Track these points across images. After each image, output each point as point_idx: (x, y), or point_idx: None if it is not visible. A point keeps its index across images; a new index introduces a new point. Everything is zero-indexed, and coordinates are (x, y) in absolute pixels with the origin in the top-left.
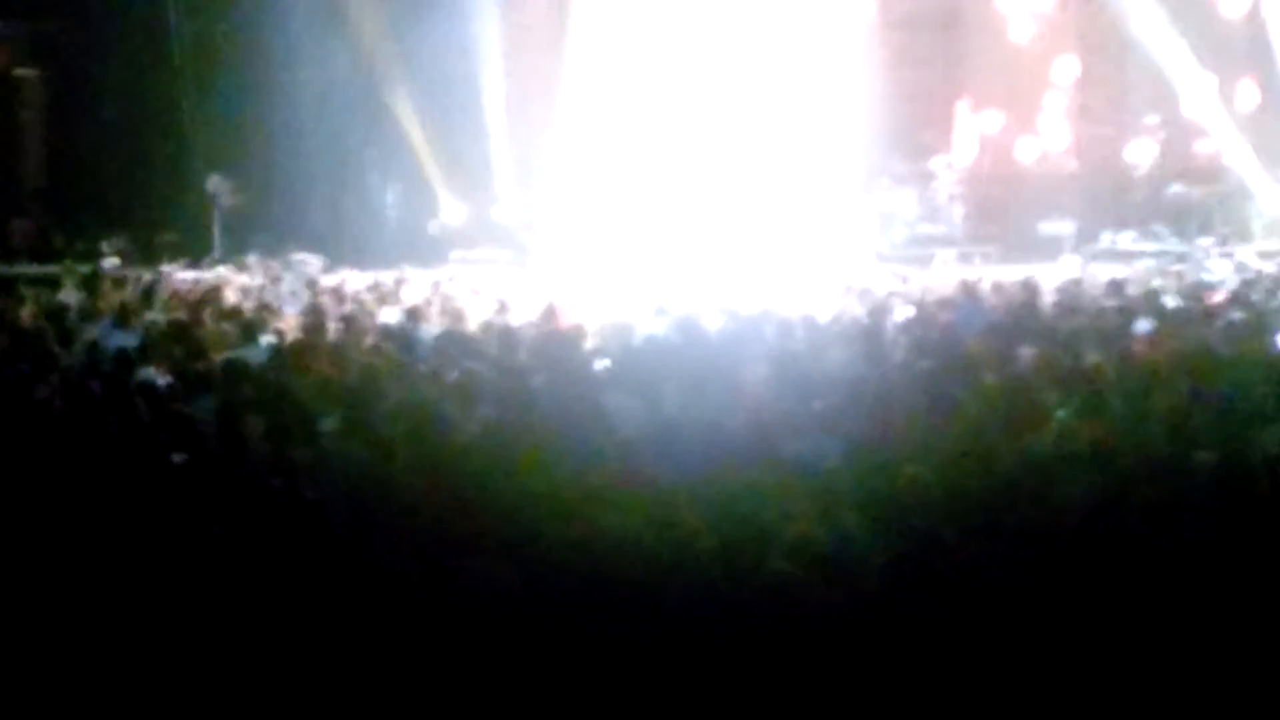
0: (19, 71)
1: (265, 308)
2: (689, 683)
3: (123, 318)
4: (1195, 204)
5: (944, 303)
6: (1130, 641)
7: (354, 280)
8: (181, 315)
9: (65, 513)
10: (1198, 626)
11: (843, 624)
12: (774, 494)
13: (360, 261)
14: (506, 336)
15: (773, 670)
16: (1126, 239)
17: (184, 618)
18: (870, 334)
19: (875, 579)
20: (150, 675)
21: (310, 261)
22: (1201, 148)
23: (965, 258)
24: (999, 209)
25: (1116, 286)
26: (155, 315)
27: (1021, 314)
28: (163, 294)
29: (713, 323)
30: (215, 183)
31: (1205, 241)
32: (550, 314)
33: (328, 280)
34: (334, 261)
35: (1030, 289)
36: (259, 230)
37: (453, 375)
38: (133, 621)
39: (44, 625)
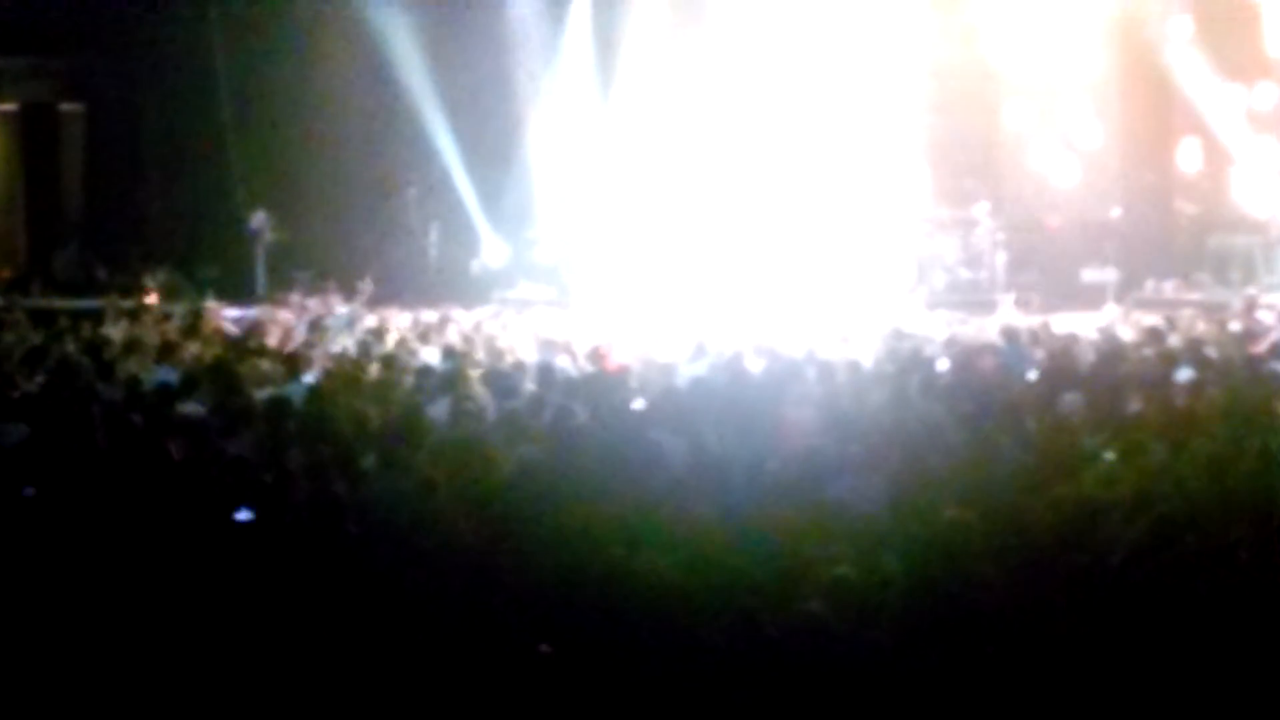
0: (61, 105)
1: (310, 344)
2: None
3: (165, 353)
4: (1239, 252)
5: (987, 348)
6: (1172, 683)
7: (396, 319)
8: (223, 352)
9: (107, 542)
10: (1238, 669)
11: (880, 666)
12: (814, 535)
13: (402, 300)
14: (550, 376)
15: (809, 712)
16: (1169, 287)
17: (225, 647)
18: (912, 378)
19: (913, 621)
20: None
21: (357, 296)
22: (1245, 196)
23: (1011, 305)
24: (1041, 256)
25: (1157, 334)
26: (197, 350)
27: (1063, 360)
28: (205, 330)
29: (754, 364)
30: (258, 218)
31: (1249, 290)
32: (596, 355)
33: (370, 319)
34: (376, 300)
35: (1072, 336)
36: (301, 267)
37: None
38: (174, 648)
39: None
